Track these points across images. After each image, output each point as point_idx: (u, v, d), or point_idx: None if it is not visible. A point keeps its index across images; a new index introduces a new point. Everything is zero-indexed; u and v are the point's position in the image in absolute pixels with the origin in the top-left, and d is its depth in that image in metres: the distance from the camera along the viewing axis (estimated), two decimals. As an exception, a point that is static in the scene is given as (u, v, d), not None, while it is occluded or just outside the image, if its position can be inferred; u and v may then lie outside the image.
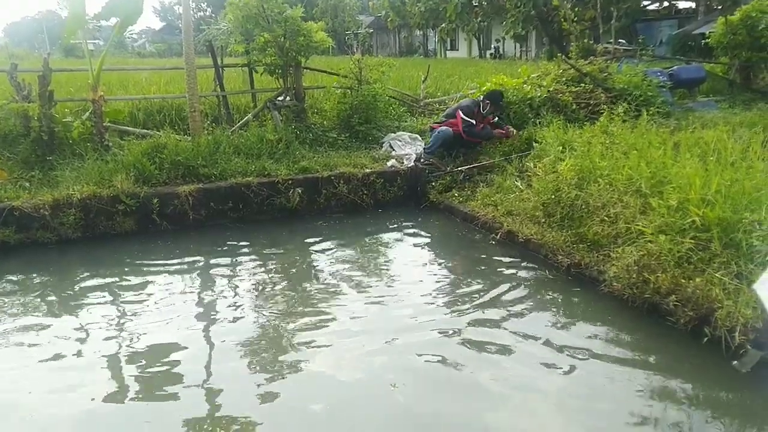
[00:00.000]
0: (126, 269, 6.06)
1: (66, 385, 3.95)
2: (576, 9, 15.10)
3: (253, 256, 6.50)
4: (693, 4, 29.22)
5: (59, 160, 7.35)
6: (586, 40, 12.58)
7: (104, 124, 7.93)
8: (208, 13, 49.87)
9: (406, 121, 10.23)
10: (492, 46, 39.80)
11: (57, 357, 4.30)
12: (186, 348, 4.41)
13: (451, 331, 4.55)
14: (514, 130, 8.30)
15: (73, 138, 7.71)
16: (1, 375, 4.10)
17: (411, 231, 7.35)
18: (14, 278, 5.78)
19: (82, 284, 5.67)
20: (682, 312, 4.28)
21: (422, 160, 8.35)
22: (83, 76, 10.89)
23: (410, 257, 6.45)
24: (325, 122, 9.66)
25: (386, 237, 7.17)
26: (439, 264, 6.21)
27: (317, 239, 6.96)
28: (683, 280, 4.39)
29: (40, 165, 7.30)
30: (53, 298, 5.38)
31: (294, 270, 6.07)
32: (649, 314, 4.56)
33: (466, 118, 8.19)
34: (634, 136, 6.99)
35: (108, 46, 9.70)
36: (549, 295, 5.21)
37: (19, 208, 6.37)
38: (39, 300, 5.31)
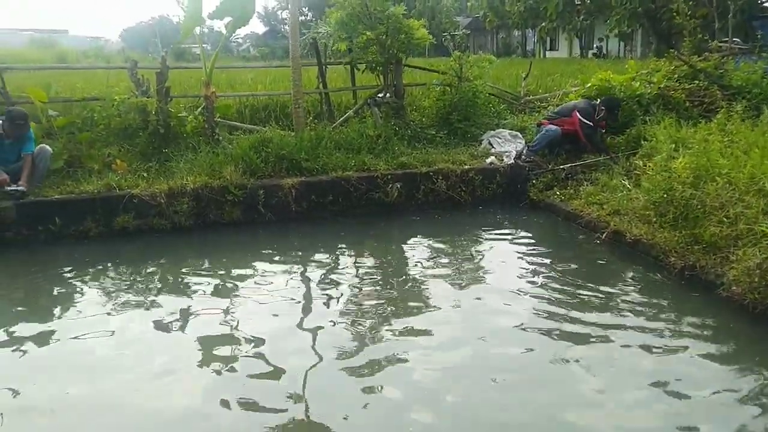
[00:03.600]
0: (233, 256, 6.34)
1: (170, 360, 4.18)
2: (689, 3, 14.31)
3: (350, 249, 6.61)
4: (820, -1, 26.97)
5: (174, 152, 7.76)
6: (700, 36, 11.90)
7: (215, 119, 8.32)
8: (308, 18, 51.23)
9: (506, 119, 10.05)
10: (594, 45, 38.50)
11: (164, 334, 4.57)
12: (285, 332, 4.54)
13: (550, 334, 4.40)
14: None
15: (186, 132, 8.13)
16: (113, 349, 4.38)
17: (510, 229, 7.22)
18: (132, 261, 6.15)
19: (193, 269, 5.96)
20: (813, 319, 3.96)
21: (523, 158, 8.19)
22: (195, 76, 11.50)
23: (508, 255, 6.33)
24: (423, 119, 9.67)
25: (484, 234, 7.07)
26: (540, 263, 6.04)
27: (415, 234, 6.98)
28: (814, 286, 4.06)
29: (156, 156, 7.74)
30: (166, 279, 5.70)
31: (390, 264, 6.12)
32: (774, 321, 4.25)
33: (585, 121, 7.94)
34: (756, 134, 6.56)
35: (220, 46, 10.15)
36: (660, 298, 4.95)
37: (137, 195, 6.78)
38: (154, 281, 5.63)
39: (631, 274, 5.48)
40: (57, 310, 5.03)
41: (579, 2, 35.49)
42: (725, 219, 5.10)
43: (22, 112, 6.97)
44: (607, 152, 7.79)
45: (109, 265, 6.00)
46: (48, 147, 7.09)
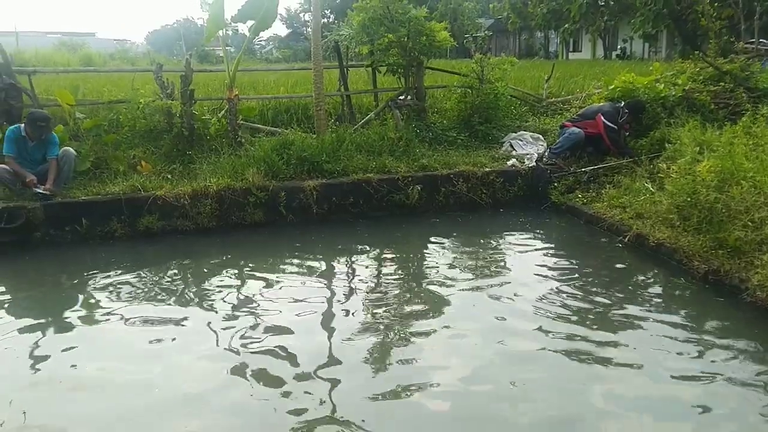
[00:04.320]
0: (255, 257, 6.41)
1: (189, 359, 4.24)
2: (715, 5, 14.11)
3: (371, 251, 6.64)
4: None
5: (197, 154, 7.88)
6: (726, 37, 11.75)
7: (238, 121, 8.41)
8: (330, 20, 51.42)
9: (527, 121, 10.03)
10: (618, 46, 38.10)
11: (187, 334, 4.63)
12: (302, 333, 4.57)
13: (571, 339, 4.37)
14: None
15: (210, 134, 8.24)
16: (137, 348, 4.45)
17: (531, 232, 7.20)
18: (156, 261, 6.24)
19: (216, 270, 6.03)
20: (840, 326, 3.90)
21: (545, 160, 8.15)
22: (218, 78, 11.64)
23: (529, 259, 6.29)
24: (445, 121, 9.68)
25: (505, 237, 7.06)
26: (561, 266, 6.01)
27: (435, 236, 6.98)
28: (841, 292, 3.99)
29: (180, 158, 7.86)
30: (190, 280, 5.77)
31: (410, 266, 6.14)
32: (800, 327, 4.19)
33: (610, 124, 7.88)
34: (782, 137, 6.46)
35: (243, 49, 10.26)
36: (684, 302, 4.91)
37: (162, 197, 6.88)
38: (177, 282, 5.71)
39: (654, 279, 5.43)
40: (82, 310, 5.11)
41: (603, 3, 35.17)
42: (750, 223, 5.03)
43: (44, 114, 7.15)
44: (631, 155, 7.72)
45: (134, 265, 6.09)
46: (72, 150, 7.23)
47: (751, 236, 4.95)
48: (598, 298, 5.03)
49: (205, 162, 7.66)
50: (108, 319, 4.86)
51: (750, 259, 4.83)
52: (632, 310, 4.79)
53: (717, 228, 5.26)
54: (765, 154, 5.97)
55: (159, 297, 5.30)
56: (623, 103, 8.20)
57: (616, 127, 7.89)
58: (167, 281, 5.70)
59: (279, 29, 79.48)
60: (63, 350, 4.40)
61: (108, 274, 5.86)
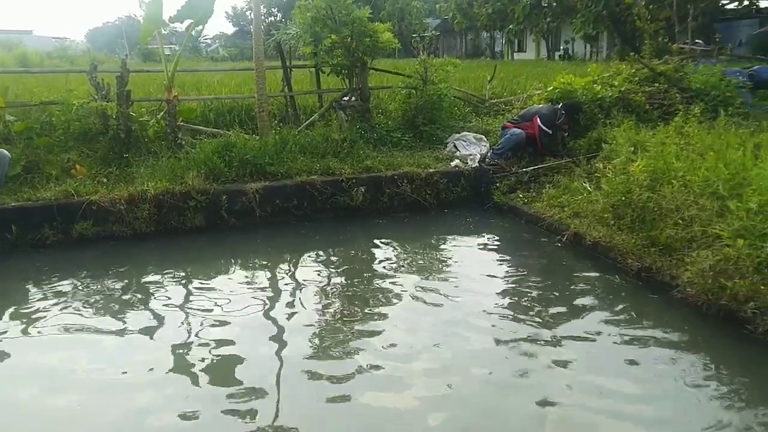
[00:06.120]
0: (196, 262, 6.28)
1: (133, 370, 4.11)
2: (650, 7, 14.59)
3: (315, 253, 6.59)
4: (777, 2, 27.65)
5: (135, 158, 7.65)
6: (660, 39, 12.15)
7: (178, 123, 8.21)
8: (278, 18, 50.93)
9: (471, 122, 10.14)
10: (561, 47, 38.99)
11: (127, 342, 4.50)
12: (245, 339, 4.51)
13: (511, 338, 4.44)
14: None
15: (148, 136, 8.02)
16: (78, 358, 4.30)
17: (474, 232, 7.28)
18: (92, 269, 6.02)
19: (154, 276, 5.88)
20: (761, 320, 4.07)
21: (488, 161, 8.25)
22: (159, 79, 11.33)
23: (472, 258, 6.38)
24: (389, 122, 9.68)
25: (448, 237, 7.11)
26: (502, 266, 6.10)
27: (379, 238, 6.98)
28: (762, 287, 4.17)
29: (117, 162, 7.61)
30: (127, 288, 5.59)
31: (355, 267, 6.11)
32: (726, 322, 4.34)
33: (545, 128, 8.02)
34: (711, 137, 6.72)
35: (182, 49, 10.03)
36: (619, 300, 5.03)
37: (96, 202, 6.66)
38: (114, 289, 5.52)
39: (590, 276, 5.54)
40: (13, 320, 4.90)
41: (545, 5, 35.95)
42: (680, 221, 5.19)
43: None
44: (570, 155, 7.88)
45: (68, 273, 5.87)
46: (6, 152, 6.93)
47: (681, 234, 5.11)
48: (536, 298, 5.12)
49: (143, 165, 7.45)
50: (41, 330, 4.67)
51: (680, 257, 4.99)
52: (569, 309, 4.90)
53: (649, 226, 5.41)
54: (694, 153, 6.18)
55: (95, 306, 5.11)
56: (561, 104, 8.36)
57: (550, 131, 8.04)
58: (103, 289, 5.50)
59: (226, 27, 78.26)
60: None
61: (40, 282, 5.65)
